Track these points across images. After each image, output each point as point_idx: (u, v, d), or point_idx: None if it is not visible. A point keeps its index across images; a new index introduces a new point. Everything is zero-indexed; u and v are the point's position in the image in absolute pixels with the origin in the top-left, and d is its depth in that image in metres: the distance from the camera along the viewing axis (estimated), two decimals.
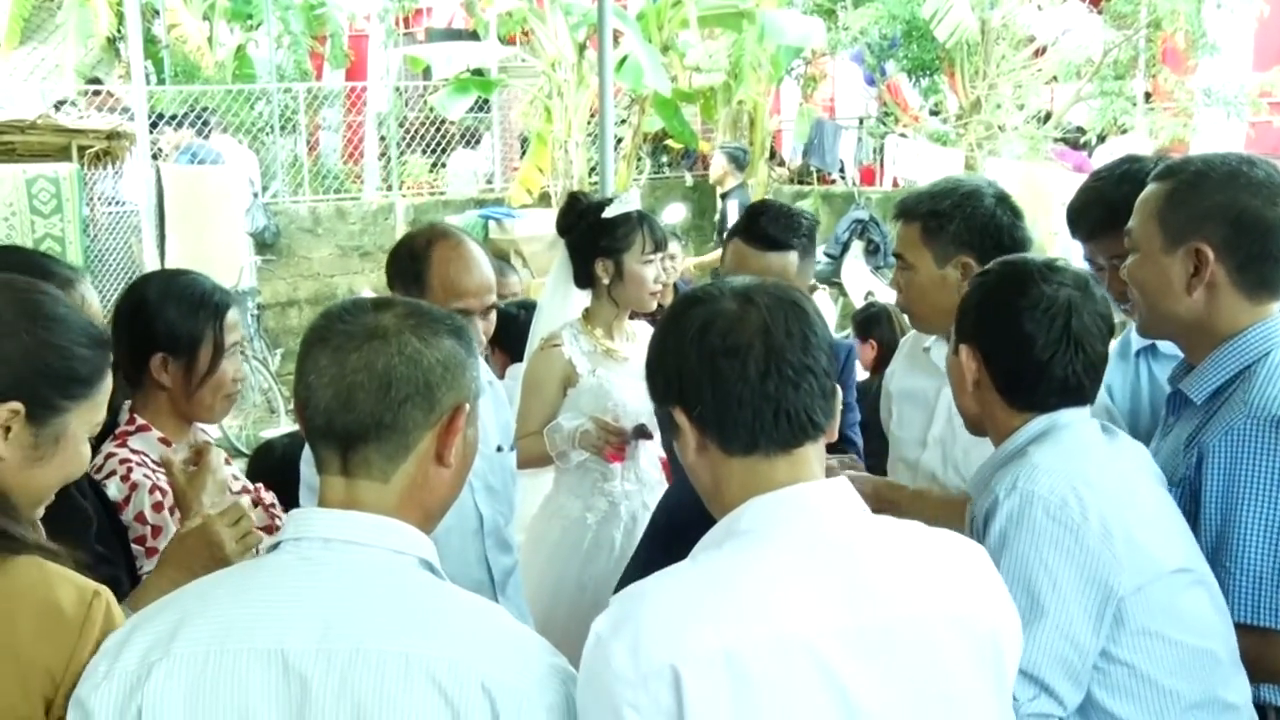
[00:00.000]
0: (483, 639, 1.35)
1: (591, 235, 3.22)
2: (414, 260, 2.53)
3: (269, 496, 2.48)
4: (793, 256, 2.91)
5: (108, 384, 1.62)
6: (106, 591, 1.47)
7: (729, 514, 1.44)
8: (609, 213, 3.20)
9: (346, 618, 1.33)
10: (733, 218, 8.68)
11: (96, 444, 2.22)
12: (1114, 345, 2.65)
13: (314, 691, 1.30)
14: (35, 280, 1.67)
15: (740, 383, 1.42)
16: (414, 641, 1.31)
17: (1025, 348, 1.89)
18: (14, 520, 1.47)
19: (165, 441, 2.28)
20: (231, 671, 1.31)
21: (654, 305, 3.30)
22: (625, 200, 3.27)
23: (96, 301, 2.18)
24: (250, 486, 2.47)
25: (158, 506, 2.19)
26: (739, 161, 9.48)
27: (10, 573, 1.42)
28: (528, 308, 3.85)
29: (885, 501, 2.25)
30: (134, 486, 2.19)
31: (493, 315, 2.60)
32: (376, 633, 1.32)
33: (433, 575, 1.42)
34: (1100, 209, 2.44)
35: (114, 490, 2.17)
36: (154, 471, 2.23)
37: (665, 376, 1.49)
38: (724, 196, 9.29)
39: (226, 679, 1.31)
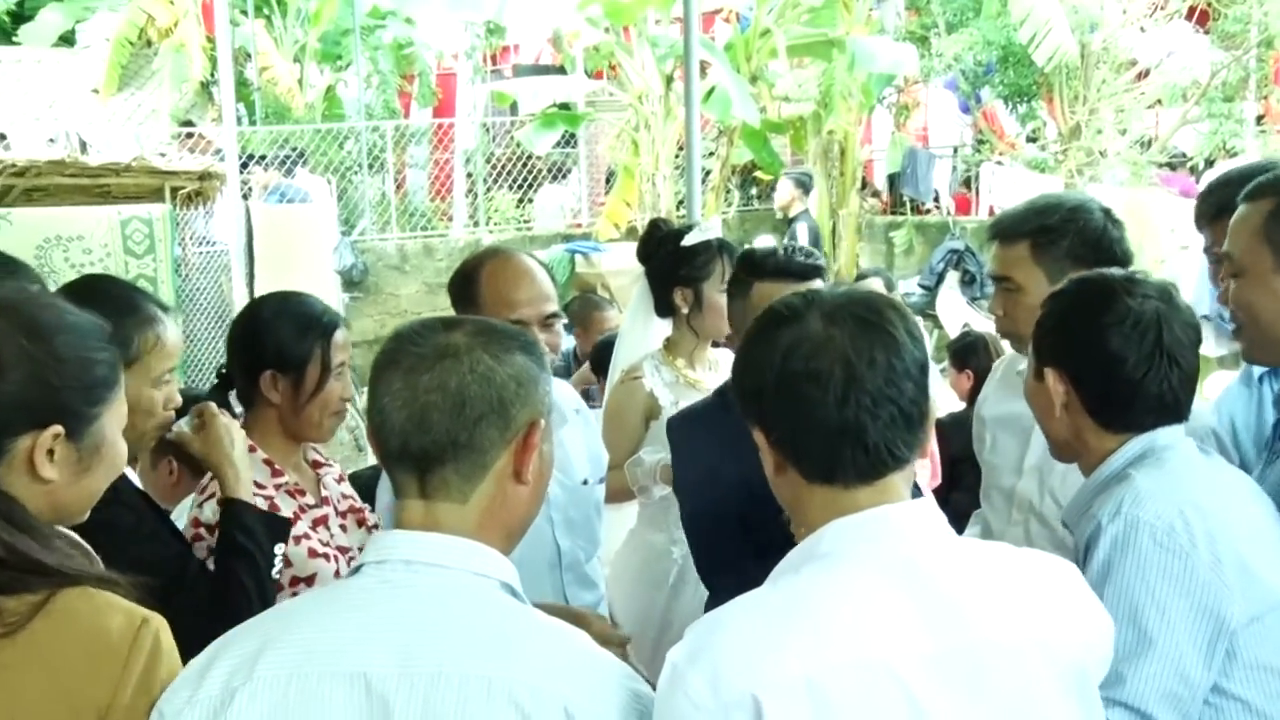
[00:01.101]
0: (565, 663, 1.34)
1: (671, 263, 3.20)
2: (467, 281, 2.53)
3: (373, 518, 2.49)
4: (819, 285, 2.57)
5: (122, 376, 1.61)
6: (156, 619, 1.44)
7: (809, 536, 1.42)
8: (688, 241, 3.17)
9: (429, 640, 1.32)
10: (802, 240, 8.85)
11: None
12: (1236, 374, 2.58)
13: (396, 715, 1.29)
14: (30, 293, 1.66)
15: (819, 411, 1.39)
16: (496, 665, 1.30)
17: (1117, 367, 1.80)
18: (50, 550, 1.44)
19: (269, 463, 2.31)
20: (314, 694, 1.31)
21: (719, 346, 3.22)
22: (705, 228, 3.23)
23: (177, 338, 2.16)
24: (358, 506, 2.48)
25: None
26: (805, 186, 9.68)
27: (55, 609, 1.39)
28: None
29: None
30: None
31: (558, 327, 2.56)
32: (459, 655, 1.31)
33: (515, 599, 1.41)
34: (1227, 191, 2.29)
35: (208, 513, 2.22)
36: (254, 496, 2.23)
37: (745, 394, 1.48)
38: (790, 221, 9.47)
39: (310, 702, 1.30)
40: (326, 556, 2.27)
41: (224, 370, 2.41)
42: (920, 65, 11.37)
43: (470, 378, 1.38)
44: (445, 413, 1.37)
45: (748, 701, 1.27)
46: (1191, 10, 11.34)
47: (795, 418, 1.40)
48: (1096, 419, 1.84)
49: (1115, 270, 1.96)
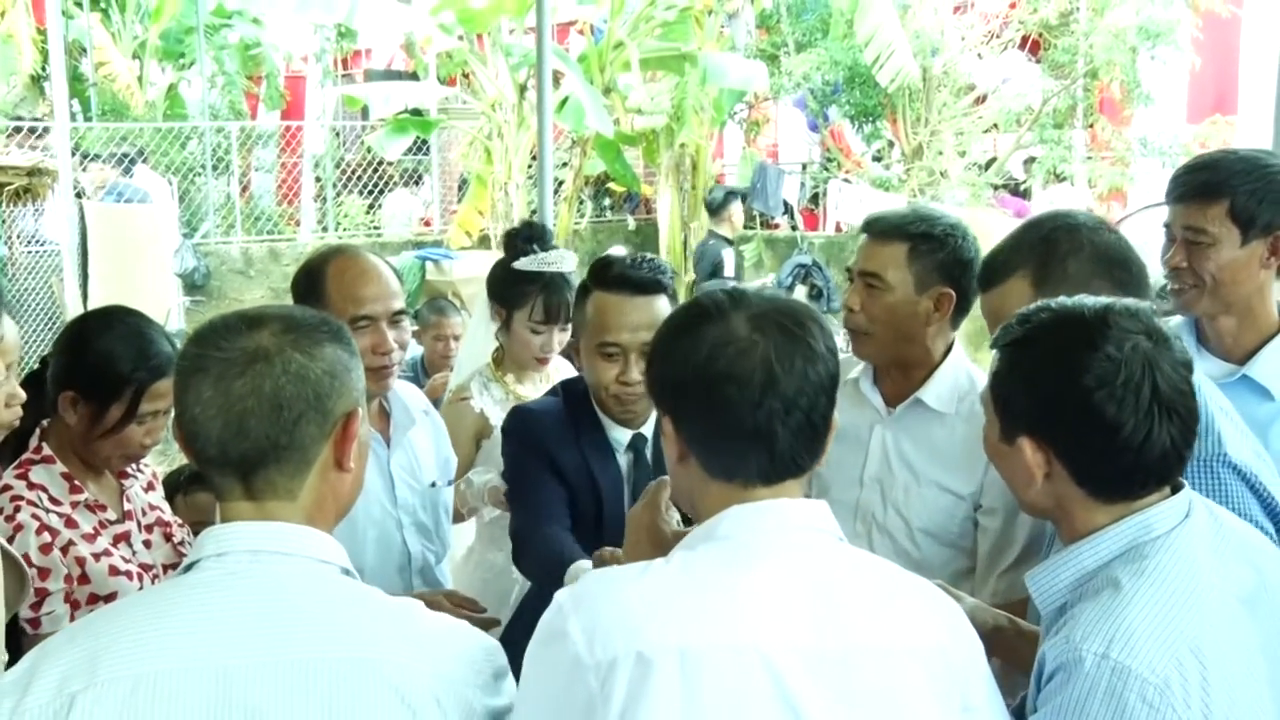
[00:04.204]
0: (425, 637, 1.36)
1: (499, 274, 3.14)
2: (312, 279, 2.44)
3: (180, 534, 2.39)
4: (663, 302, 2.47)
5: None
6: None
7: (709, 519, 1.44)
8: (520, 265, 3.09)
9: (288, 629, 1.31)
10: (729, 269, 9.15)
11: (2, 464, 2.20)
12: None
13: (266, 708, 1.26)
14: None
15: (733, 412, 1.40)
16: (363, 647, 1.31)
17: (1111, 435, 1.50)
18: None
19: (67, 477, 2.20)
20: (167, 693, 1.26)
21: (541, 369, 3.17)
22: (547, 260, 3.10)
23: (13, 338, 2.02)
24: (166, 520, 2.38)
25: (45, 548, 2.09)
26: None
27: None
28: None
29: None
30: (19, 528, 2.08)
31: (405, 325, 2.47)
32: (323, 641, 1.30)
33: (355, 582, 1.43)
34: (1206, 175, 2.28)
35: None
36: (48, 510, 2.13)
37: (662, 383, 1.49)
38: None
39: (162, 701, 1.26)
40: (129, 574, 2.16)
41: (46, 360, 2.25)
42: (770, 83, 11.59)
43: (284, 379, 1.36)
44: (263, 418, 1.35)
45: (619, 661, 1.28)
46: (1025, 39, 11.81)
47: (709, 416, 1.42)
48: (1086, 489, 1.56)
49: (1085, 301, 1.60)
